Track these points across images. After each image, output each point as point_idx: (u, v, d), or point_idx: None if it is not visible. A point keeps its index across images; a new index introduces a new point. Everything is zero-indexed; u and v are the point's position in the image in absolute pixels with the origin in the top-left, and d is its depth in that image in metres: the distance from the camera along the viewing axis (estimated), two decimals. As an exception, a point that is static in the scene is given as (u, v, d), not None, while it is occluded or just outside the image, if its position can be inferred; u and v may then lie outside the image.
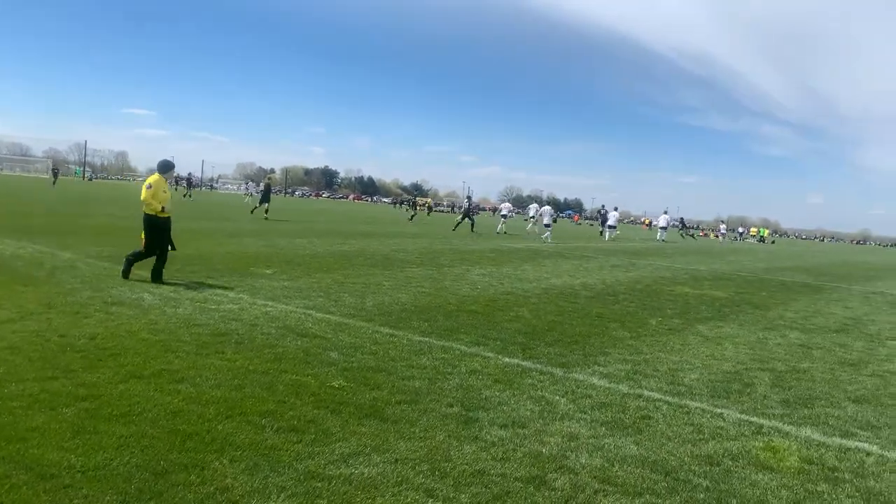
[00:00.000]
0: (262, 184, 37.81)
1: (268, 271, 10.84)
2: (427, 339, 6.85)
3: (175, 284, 8.74)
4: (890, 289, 18.45)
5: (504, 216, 35.48)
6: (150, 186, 8.78)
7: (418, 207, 45.28)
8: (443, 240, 23.24)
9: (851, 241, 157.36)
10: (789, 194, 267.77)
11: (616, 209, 39.06)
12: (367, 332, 6.95)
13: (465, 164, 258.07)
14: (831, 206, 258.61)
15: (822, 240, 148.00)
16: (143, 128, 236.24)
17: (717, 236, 52.71)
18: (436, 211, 75.64)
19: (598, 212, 49.63)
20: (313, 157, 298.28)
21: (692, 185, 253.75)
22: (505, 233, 31.89)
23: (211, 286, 8.87)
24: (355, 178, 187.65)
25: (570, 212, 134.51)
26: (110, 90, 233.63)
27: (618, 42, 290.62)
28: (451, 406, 4.79)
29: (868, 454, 4.44)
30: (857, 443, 4.65)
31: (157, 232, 8.86)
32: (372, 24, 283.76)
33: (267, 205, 27.88)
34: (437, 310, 8.55)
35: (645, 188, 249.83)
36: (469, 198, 39.65)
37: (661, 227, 40.93)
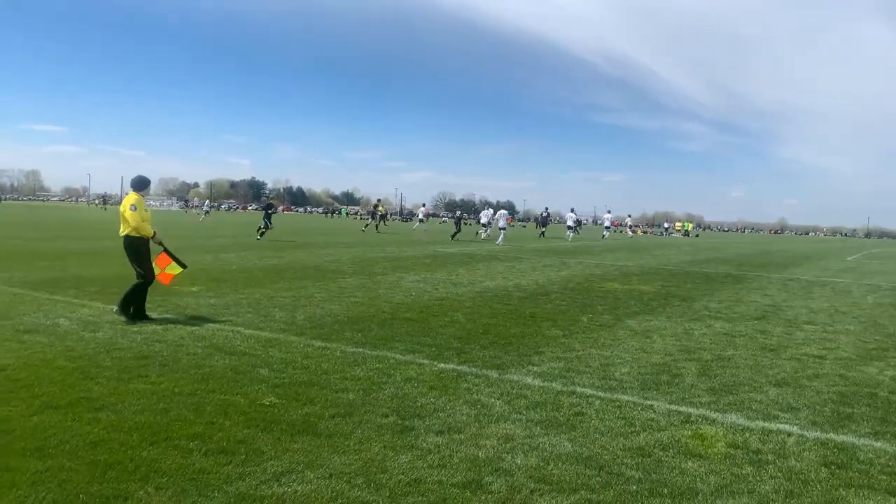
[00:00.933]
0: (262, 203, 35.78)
1: (193, 289, 10.51)
2: (361, 349, 6.76)
3: (94, 308, 8.35)
4: (805, 275, 19.41)
5: (484, 225, 35.31)
6: (134, 208, 7.81)
7: (378, 216, 43.28)
8: (377, 248, 23.11)
9: (770, 231, 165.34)
10: (712, 188, 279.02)
11: (573, 210, 39.64)
12: (299, 346, 6.81)
13: (395, 170, 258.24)
14: (751, 199, 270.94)
15: (743, 231, 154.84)
16: (54, 145, 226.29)
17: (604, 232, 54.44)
18: (391, 220, 75.31)
19: (541, 215, 50.47)
20: (238, 169, 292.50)
21: (618, 184, 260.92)
22: (483, 238, 31.91)
23: (133, 307, 8.52)
24: (283, 188, 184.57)
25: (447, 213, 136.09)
26: (12, 106, 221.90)
27: (539, 46, 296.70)
28: (387, 416, 4.74)
29: (789, 435, 4.62)
30: (778, 425, 4.84)
31: (148, 253, 7.98)
32: (290, 30, 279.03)
33: (270, 227, 26.11)
34: (370, 319, 8.47)
35: (572, 188, 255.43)
36: (460, 208, 39.82)
37: (605, 227, 41.96)
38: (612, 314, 9.84)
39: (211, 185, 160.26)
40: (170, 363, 5.90)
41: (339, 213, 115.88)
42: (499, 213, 33.27)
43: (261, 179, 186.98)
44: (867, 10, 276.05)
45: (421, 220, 48.63)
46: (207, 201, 69.37)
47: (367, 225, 40.62)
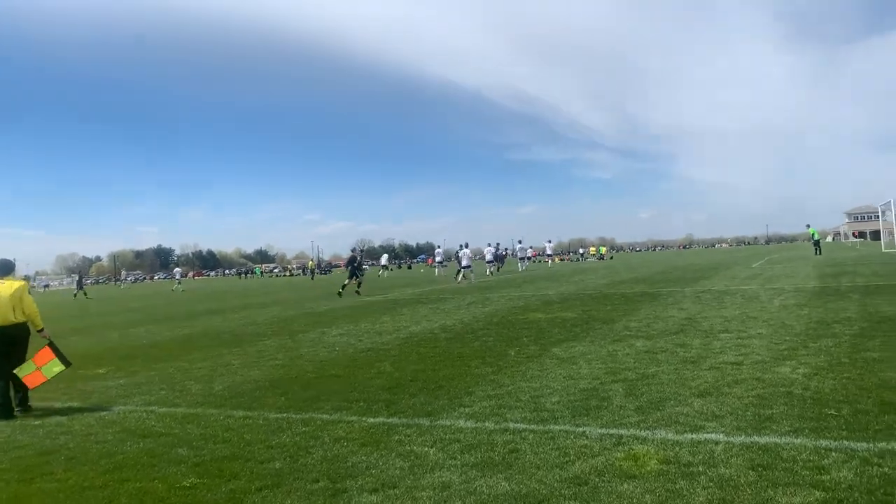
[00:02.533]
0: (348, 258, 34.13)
1: (100, 371, 9.89)
2: (285, 414, 6.49)
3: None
4: (715, 285, 20.27)
5: (467, 266, 34.86)
6: (27, 293, 7.23)
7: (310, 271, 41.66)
8: (296, 305, 22.58)
9: (679, 247, 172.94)
10: (621, 212, 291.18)
11: (520, 241, 39.84)
12: (219, 418, 6.47)
13: (311, 223, 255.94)
14: (660, 218, 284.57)
15: (654, 249, 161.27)
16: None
17: (547, 260, 55.59)
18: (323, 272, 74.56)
19: (456, 254, 51.09)
20: (144, 238, 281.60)
21: (531, 215, 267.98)
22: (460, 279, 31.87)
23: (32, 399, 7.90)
24: (192, 253, 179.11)
25: (423, 256, 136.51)
26: None
27: (448, 89, 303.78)
28: (317, 481, 4.54)
29: (716, 443, 4.71)
30: (705, 435, 4.94)
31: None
32: (188, 87, 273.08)
33: (360, 278, 26.64)
34: (293, 381, 8.18)
35: (489, 223, 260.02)
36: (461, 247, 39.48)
37: (521, 259, 42.68)
38: (538, 344, 9.91)
39: (114, 257, 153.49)
40: (77, 455, 5.47)
41: (254, 272, 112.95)
42: (462, 251, 33.76)
43: (168, 246, 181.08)
44: (753, 34, 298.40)
45: (385, 266, 48.67)
46: (178, 270, 66.49)
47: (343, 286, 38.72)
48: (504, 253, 40.41)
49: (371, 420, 6.05)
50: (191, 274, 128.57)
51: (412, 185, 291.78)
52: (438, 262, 45.61)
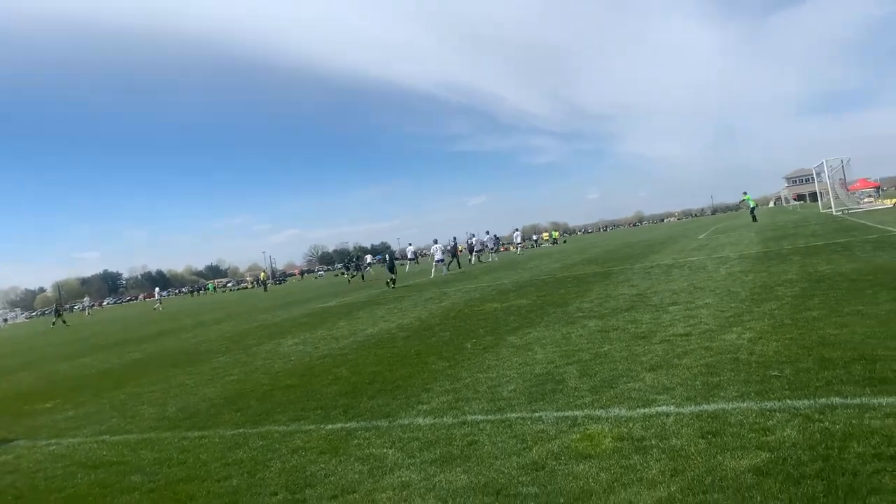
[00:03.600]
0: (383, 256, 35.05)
1: (48, 405, 9.55)
2: (241, 430, 6.38)
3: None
4: (664, 259, 20.70)
5: (440, 260, 34.67)
6: None
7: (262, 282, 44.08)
8: (249, 317, 22.22)
9: (629, 225, 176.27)
10: (570, 194, 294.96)
11: (487, 232, 40.16)
12: (173, 441, 6.32)
13: (261, 233, 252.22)
14: (607, 198, 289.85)
15: (605, 229, 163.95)
16: None
17: (515, 248, 56.01)
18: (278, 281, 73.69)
19: (414, 253, 51.38)
20: (88, 264, 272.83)
21: (482, 206, 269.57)
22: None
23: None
24: (142, 275, 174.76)
25: (379, 256, 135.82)
26: None
27: (385, 87, 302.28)
28: (275, 494, 4.48)
29: (668, 416, 4.81)
30: (657, 408, 5.03)
31: None
32: (123, 103, 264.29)
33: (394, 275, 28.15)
34: (248, 395, 8.04)
35: (441, 217, 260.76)
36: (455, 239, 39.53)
37: (477, 251, 42.93)
38: (494, 334, 9.96)
39: (59, 286, 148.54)
40: (25, 494, 5.29)
41: (206, 288, 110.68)
42: (434, 246, 34.31)
43: (114, 270, 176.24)
44: (680, 9, 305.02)
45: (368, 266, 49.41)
46: (157, 290, 65.17)
47: (351, 277, 41.20)
48: (455, 246, 40.37)
49: (329, 427, 5.99)
50: (141, 296, 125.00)
51: (360, 187, 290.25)
52: (410, 259, 46.67)
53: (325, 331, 14.15)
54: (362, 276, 31.53)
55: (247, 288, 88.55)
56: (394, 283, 27.72)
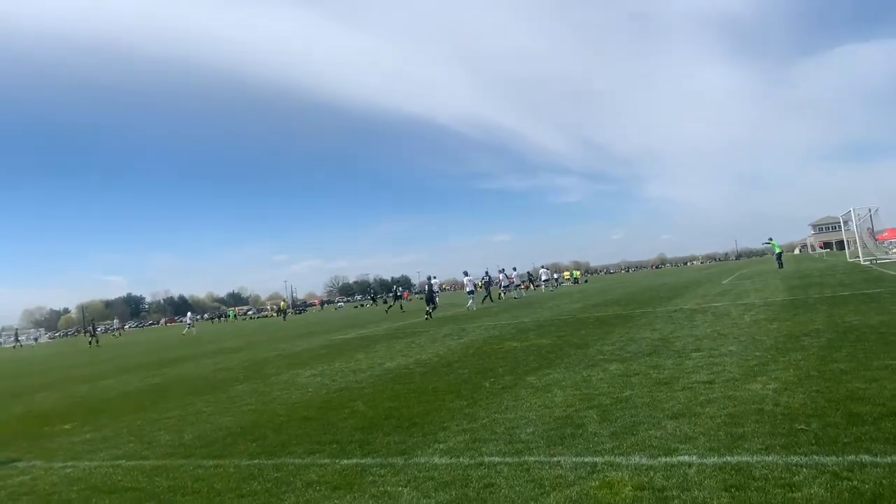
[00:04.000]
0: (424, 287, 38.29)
1: (66, 427, 9.61)
2: (257, 460, 6.36)
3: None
4: (687, 304, 20.47)
5: (470, 292, 34.88)
6: None
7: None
8: (268, 346, 22.28)
9: (651, 267, 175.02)
10: (593, 234, 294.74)
11: (514, 269, 40.17)
12: (188, 469, 6.31)
13: (280, 264, 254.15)
14: (631, 239, 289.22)
15: (627, 270, 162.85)
16: None
17: (536, 286, 55.56)
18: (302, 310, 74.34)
19: (425, 287, 51.60)
20: (113, 288, 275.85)
21: (506, 243, 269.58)
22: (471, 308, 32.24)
23: (-4, 461, 7.65)
24: (164, 300, 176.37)
25: (400, 289, 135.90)
26: None
27: (414, 123, 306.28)
28: (289, 529, 4.43)
29: (690, 466, 4.70)
30: (679, 458, 4.93)
31: None
32: (150, 136, 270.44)
33: (432, 306, 29.64)
34: (265, 426, 8.02)
35: (462, 254, 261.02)
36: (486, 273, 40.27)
37: (505, 286, 42.61)
38: (513, 374, 9.87)
39: (83, 308, 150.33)
40: (39, 518, 5.28)
41: (227, 315, 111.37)
42: (466, 279, 34.92)
43: (138, 294, 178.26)
44: (707, 55, 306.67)
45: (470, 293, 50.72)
46: (190, 314, 66.26)
47: (389, 307, 42.59)
48: (489, 281, 39.95)
49: (344, 462, 5.95)
50: (162, 321, 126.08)
51: (382, 219, 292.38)
52: (469, 292, 47.82)
53: (342, 363, 14.13)
54: (401, 307, 33.34)
55: (267, 316, 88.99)
56: (431, 315, 28.59)
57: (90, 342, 46.57)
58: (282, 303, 76.52)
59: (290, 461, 6.18)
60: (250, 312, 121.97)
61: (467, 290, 34.18)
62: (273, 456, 6.46)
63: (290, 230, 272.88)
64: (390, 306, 41.43)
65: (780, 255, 44.17)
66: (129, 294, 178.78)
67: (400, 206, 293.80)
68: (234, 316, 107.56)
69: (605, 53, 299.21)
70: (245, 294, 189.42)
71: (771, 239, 46.80)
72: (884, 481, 3.97)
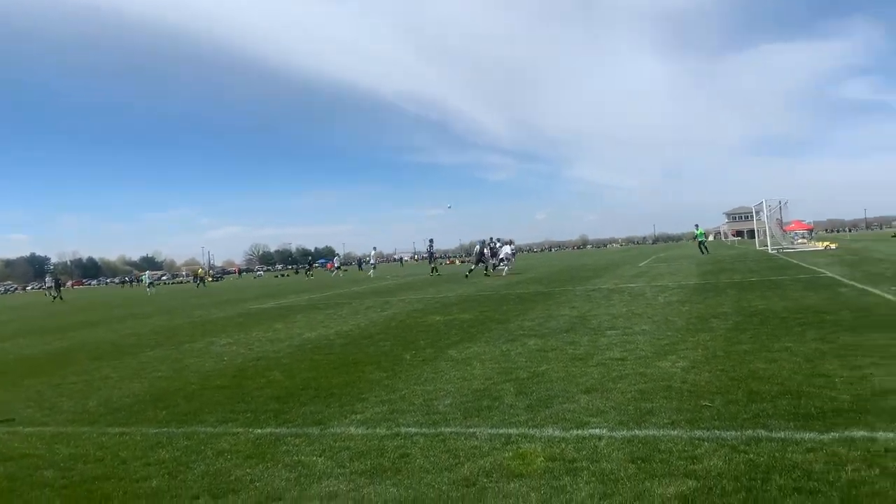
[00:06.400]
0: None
1: (-41, 391, 9.03)
2: (166, 428, 6.14)
3: None
4: (605, 284, 21.09)
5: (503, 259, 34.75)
6: None
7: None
8: (182, 314, 21.60)
9: (573, 247, 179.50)
10: (519, 213, 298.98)
11: (509, 242, 39.78)
12: (91, 436, 6.04)
13: (199, 228, 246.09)
14: (554, 219, 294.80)
15: (550, 249, 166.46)
16: None
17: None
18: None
19: (359, 259, 51.78)
20: (14, 246, 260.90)
21: (436, 217, 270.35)
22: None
23: None
24: (71, 261, 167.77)
25: (323, 260, 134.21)
26: None
27: (348, 91, 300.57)
28: (197, 497, 4.30)
29: (600, 438, 4.85)
30: (590, 430, 5.07)
31: None
32: (66, 87, 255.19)
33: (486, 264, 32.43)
34: (176, 394, 7.77)
35: (394, 227, 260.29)
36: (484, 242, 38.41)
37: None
38: (434, 347, 9.92)
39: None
40: (-77, 486, 4.93)
41: (140, 280, 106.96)
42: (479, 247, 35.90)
43: (43, 254, 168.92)
44: (641, 46, 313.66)
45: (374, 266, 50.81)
46: (148, 272, 62.56)
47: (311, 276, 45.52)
48: (481, 250, 39.25)
49: (258, 431, 5.83)
50: (69, 283, 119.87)
51: (311, 188, 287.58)
52: (372, 264, 49.00)
53: (260, 332, 13.85)
54: (307, 273, 34.76)
55: (182, 283, 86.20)
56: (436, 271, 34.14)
57: (53, 298, 44.99)
58: (199, 269, 74.04)
59: (201, 430, 6.01)
60: (164, 277, 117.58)
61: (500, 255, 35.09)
62: (183, 424, 6.26)
63: (213, 195, 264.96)
64: (309, 274, 42.44)
65: (703, 242, 45.88)
66: (33, 254, 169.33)
67: (330, 177, 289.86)
68: (149, 281, 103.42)
69: (545, 38, 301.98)
70: (159, 259, 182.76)
71: (697, 226, 48.75)
72: (776, 454, 4.20)
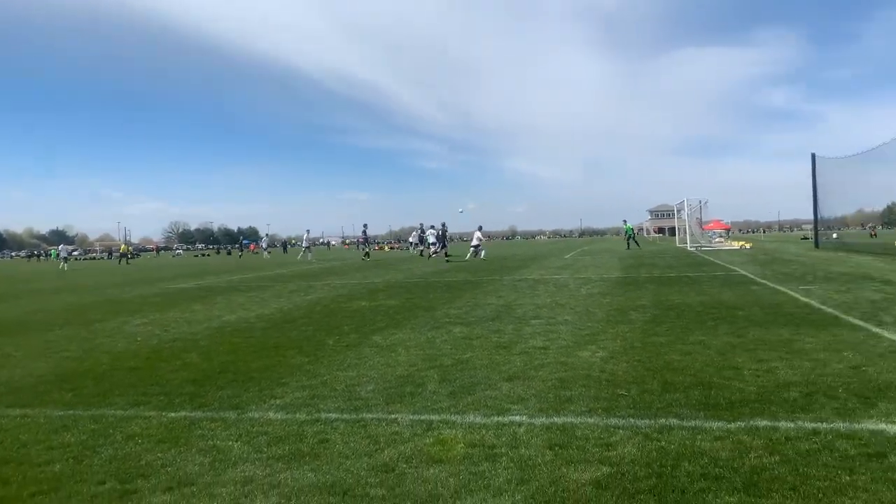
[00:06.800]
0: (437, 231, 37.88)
1: None
2: (72, 411, 5.85)
3: None
4: (531, 275, 21.44)
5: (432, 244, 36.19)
6: None
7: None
8: (96, 291, 20.65)
9: (502, 238, 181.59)
10: (450, 202, 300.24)
11: (479, 228, 39.99)
12: (-12, 418, 5.69)
13: (114, 202, 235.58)
14: (484, 209, 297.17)
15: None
16: None
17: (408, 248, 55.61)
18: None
19: (284, 242, 50.74)
20: None
21: (365, 202, 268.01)
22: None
23: None
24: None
25: (246, 241, 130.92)
26: None
27: (272, 66, 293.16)
28: (103, 483, 4.11)
29: (520, 425, 4.91)
30: (510, 417, 5.13)
31: None
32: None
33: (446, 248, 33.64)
34: (85, 375, 7.41)
35: (321, 208, 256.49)
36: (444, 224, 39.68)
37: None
38: (359, 332, 9.83)
39: None
40: None
41: (49, 255, 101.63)
42: (429, 231, 37.56)
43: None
44: (574, 41, 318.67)
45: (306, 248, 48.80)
46: (63, 245, 58.36)
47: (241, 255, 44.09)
48: (444, 233, 39.64)
49: (171, 415, 5.62)
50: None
51: (235, 166, 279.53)
52: (305, 247, 48.36)
53: (177, 313, 13.39)
54: (232, 252, 34.98)
55: (96, 259, 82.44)
56: (447, 256, 34.34)
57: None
58: (123, 246, 70.42)
59: (111, 413, 5.75)
60: (75, 253, 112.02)
61: (430, 241, 36.79)
62: (91, 406, 5.98)
63: (128, 168, 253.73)
64: (240, 254, 41.98)
65: (632, 237, 47.19)
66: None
67: (255, 155, 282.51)
68: (57, 256, 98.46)
69: (482, 29, 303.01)
70: (71, 233, 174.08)
71: (626, 221, 50.29)
72: (686, 442, 4.36)
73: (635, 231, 52.45)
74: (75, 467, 4.42)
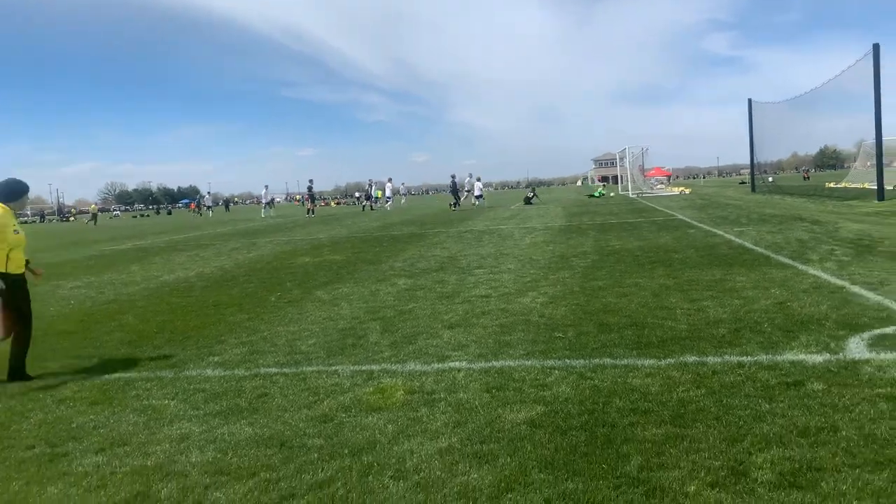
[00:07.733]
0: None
1: None
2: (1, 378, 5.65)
3: None
4: (477, 226, 21.53)
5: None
6: None
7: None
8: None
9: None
10: (398, 156, 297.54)
11: (479, 179, 39.89)
12: None
13: (50, 163, 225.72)
14: (434, 162, 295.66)
15: (428, 193, 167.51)
16: None
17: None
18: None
19: (227, 200, 49.34)
20: None
21: (311, 157, 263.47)
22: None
23: None
24: None
25: (186, 200, 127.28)
26: None
27: (213, 20, 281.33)
28: (32, 447, 4.00)
29: (459, 371, 4.97)
30: (450, 364, 5.18)
31: (22, 292, 6.14)
32: None
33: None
34: (13, 339, 7.14)
35: (265, 165, 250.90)
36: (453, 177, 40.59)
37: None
38: (301, 288, 9.73)
39: None
40: None
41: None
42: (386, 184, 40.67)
43: None
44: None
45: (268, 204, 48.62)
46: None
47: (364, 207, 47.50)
48: (455, 184, 39.76)
49: (105, 377, 5.49)
50: None
51: (175, 123, 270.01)
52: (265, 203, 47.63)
53: (113, 275, 13.00)
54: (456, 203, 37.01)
55: (27, 222, 79.13)
56: (456, 206, 35.73)
57: None
58: (93, 206, 65.26)
59: (41, 378, 5.57)
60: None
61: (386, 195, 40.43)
62: (20, 372, 5.77)
63: (62, 127, 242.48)
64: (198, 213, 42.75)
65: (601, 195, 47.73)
66: None
67: (196, 111, 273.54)
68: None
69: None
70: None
71: (604, 185, 50.78)
72: (618, 380, 4.49)
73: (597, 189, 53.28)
74: (2, 433, 4.29)
